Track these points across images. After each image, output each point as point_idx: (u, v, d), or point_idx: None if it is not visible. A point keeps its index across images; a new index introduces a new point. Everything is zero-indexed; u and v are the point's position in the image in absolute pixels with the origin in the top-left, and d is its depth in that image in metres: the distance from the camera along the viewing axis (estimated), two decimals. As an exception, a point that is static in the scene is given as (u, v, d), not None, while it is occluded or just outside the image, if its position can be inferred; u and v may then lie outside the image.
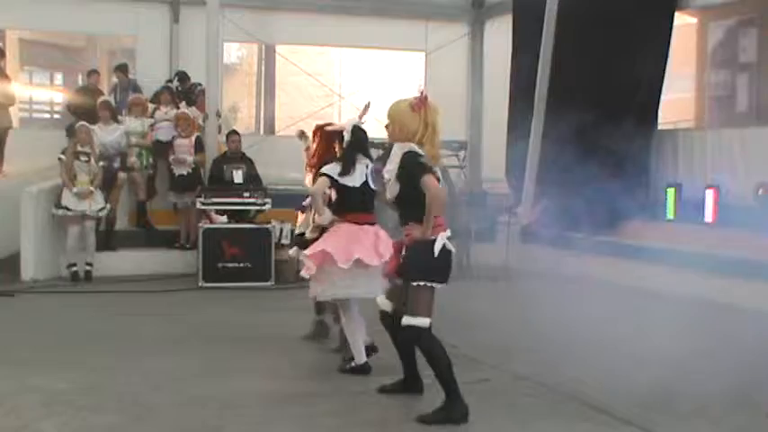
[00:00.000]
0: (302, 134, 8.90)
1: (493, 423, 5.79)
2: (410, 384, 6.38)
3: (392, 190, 5.88)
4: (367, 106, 7.15)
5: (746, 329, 8.56)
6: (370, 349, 7.15)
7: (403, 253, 5.93)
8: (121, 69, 14.73)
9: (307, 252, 6.88)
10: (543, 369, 7.05)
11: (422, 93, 5.98)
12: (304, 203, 8.02)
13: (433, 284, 5.77)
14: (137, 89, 14.54)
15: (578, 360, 7.31)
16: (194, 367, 7.20)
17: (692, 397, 6.29)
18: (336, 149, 7.12)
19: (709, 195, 11.19)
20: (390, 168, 5.87)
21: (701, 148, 12.34)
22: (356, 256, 6.65)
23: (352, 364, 7.00)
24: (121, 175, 13.03)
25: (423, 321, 5.78)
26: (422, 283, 5.76)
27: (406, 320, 5.81)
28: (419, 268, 5.79)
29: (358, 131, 6.97)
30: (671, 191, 11.91)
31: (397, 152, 5.85)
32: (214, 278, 11.85)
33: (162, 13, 15.52)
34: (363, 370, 6.97)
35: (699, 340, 8.03)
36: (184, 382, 6.68)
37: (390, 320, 6.17)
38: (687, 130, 13.59)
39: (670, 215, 11.86)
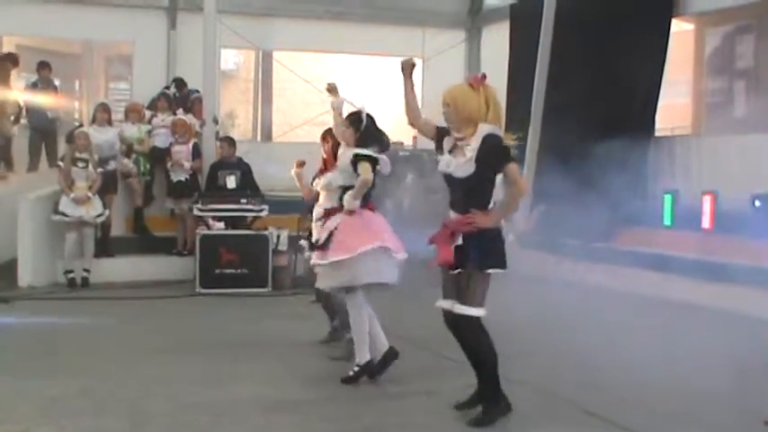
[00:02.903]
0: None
1: (491, 428, 5.78)
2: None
3: (465, 169, 5.65)
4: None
5: (745, 336, 8.57)
6: (390, 356, 7.03)
7: (459, 242, 5.70)
8: (43, 66, 14.52)
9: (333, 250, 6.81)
10: (541, 374, 7.05)
11: (479, 74, 5.89)
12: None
13: (501, 270, 5.74)
14: (51, 84, 14.51)
15: (576, 365, 7.32)
16: (191, 373, 7.20)
17: (690, 403, 6.30)
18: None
19: (707, 202, 11.19)
20: (472, 147, 5.62)
21: (697, 154, 12.35)
22: (381, 244, 6.71)
23: (355, 368, 6.88)
24: (130, 181, 13.05)
25: (482, 311, 5.74)
26: (491, 271, 5.70)
27: (465, 310, 5.70)
28: (493, 256, 5.73)
29: (369, 119, 6.97)
30: (668, 197, 11.92)
31: (479, 132, 5.63)
32: (211, 284, 11.83)
33: (159, 20, 15.53)
34: (367, 369, 6.86)
35: (697, 346, 8.03)
36: (181, 389, 6.68)
37: (454, 320, 5.87)
38: (684, 136, 13.60)
39: (667, 222, 11.86)
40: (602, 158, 11.56)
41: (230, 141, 13.41)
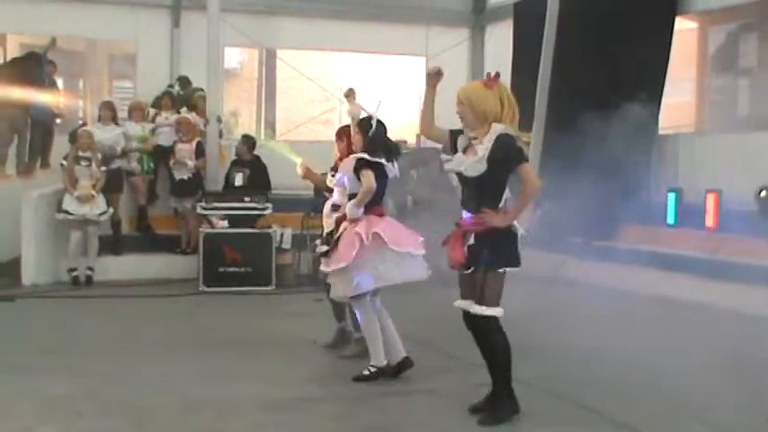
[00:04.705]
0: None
1: (494, 428, 5.77)
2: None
3: (476, 168, 5.61)
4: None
5: (748, 334, 8.56)
6: (405, 365, 6.95)
7: (471, 242, 5.70)
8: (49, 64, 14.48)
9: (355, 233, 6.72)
10: (543, 374, 7.04)
11: (490, 73, 5.88)
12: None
13: (515, 269, 5.71)
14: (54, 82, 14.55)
15: (578, 364, 7.31)
16: (194, 372, 7.20)
17: (693, 401, 6.29)
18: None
19: (710, 200, 11.18)
20: (484, 146, 5.61)
21: (701, 152, 12.34)
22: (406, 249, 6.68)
23: (371, 369, 6.83)
24: (133, 179, 13.14)
25: (499, 311, 5.72)
26: (505, 270, 5.68)
27: (482, 310, 5.68)
28: (506, 254, 5.69)
29: (380, 125, 6.94)
30: (672, 195, 11.90)
31: (492, 132, 5.61)
32: (215, 282, 11.83)
33: (162, 18, 15.55)
34: (382, 373, 6.82)
35: (700, 345, 8.03)
36: (184, 387, 6.68)
37: (472, 319, 5.84)
38: (688, 134, 13.59)
39: (671, 220, 11.85)
40: (606, 157, 11.56)
41: (243, 139, 13.46)
